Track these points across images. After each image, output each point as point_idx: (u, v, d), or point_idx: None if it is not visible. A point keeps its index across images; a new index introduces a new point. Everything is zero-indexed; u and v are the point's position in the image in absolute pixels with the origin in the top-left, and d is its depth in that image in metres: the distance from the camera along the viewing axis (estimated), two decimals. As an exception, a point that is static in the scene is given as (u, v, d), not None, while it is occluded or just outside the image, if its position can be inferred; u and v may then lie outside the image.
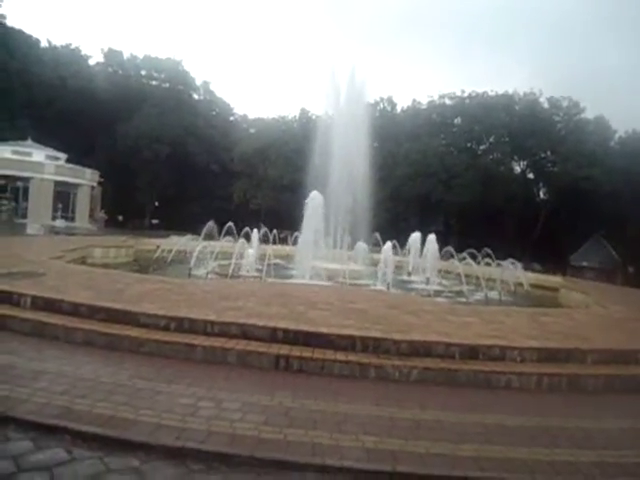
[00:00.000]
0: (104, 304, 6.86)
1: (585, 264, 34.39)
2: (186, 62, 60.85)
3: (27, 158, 37.31)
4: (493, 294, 14.33)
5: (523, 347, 6.45)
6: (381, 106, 51.84)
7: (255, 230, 17.50)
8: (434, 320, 7.73)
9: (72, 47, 52.31)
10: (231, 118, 60.67)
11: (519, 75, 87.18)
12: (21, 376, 4.79)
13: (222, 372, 5.54)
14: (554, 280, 18.36)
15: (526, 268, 21.75)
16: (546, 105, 46.30)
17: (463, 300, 12.78)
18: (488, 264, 17.36)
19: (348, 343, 6.21)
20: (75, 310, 6.79)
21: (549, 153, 45.16)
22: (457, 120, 48.82)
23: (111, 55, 53.55)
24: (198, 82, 57.00)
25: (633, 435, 4.62)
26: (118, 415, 4.08)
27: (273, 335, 6.27)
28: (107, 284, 8.68)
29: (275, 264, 14.85)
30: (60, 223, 35.08)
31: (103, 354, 5.84)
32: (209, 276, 13.13)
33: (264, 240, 18.66)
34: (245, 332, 6.30)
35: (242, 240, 16.24)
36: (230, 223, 17.94)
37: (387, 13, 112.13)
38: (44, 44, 51.05)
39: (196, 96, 57.30)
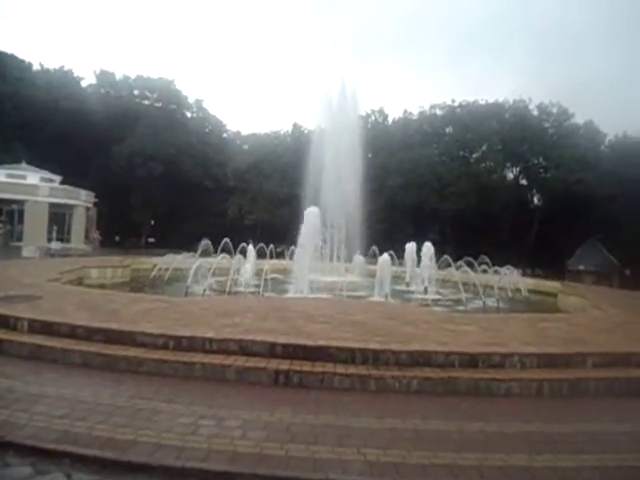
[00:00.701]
0: (101, 325, 6.84)
1: (582, 268, 34.51)
2: (178, 81, 61.37)
3: (21, 181, 37.38)
4: (491, 301, 14.35)
5: (523, 353, 6.45)
6: (373, 118, 52.34)
7: (251, 245, 17.52)
8: (433, 329, 7.73)
9: (65, 69, 52.74)
10: (224, 135, 61.05)
11: (509, 84, 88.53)
12: (20, 400, 4.75)
13: (222, 389, 5.51)
14: (551, 285, 18.40)
15: (526, 274, 21.86)
16: (536, 112, 46.92)
17: (461, 308, 12.80)
18: (485, 271, 17.42)
19: (347, 355, 6.20)
20: (72, 332, 6.76)
21: (541, 159, 45.63)
22: (449, 129, 49.32)
23: (103, 76, 53.97)
24: (191, 100, 57.49)
25: (635, 438, 4.61)
26: (117, 437, 4.04)
27: (272, 350, 6.25)
28: (104, 304, 8.66)
29: (272, 279, 14.85)
30: (56, 245, 34.98)
31: (102, 375, 5.80)
32: (206, 293, 13.10)
33: (261, 255, 18.67)
34: (243, 348, 6.28)
35: (239, 256, 16.25)
36: (226, 239, 17.96)
37: (377, 26, 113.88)
38: (37, 67, 51.50)
39: (189, 114, 57.71)
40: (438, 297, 14.84)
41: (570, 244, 38.40)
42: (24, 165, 39.20)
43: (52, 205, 37.68)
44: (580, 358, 6.55)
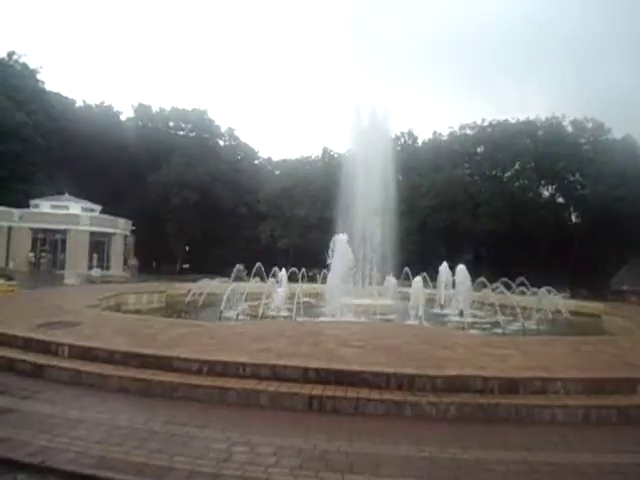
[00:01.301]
0: (137, 350, 6.96)
1: (626, 288, 32.94)
2: (211, 111, 63.63)
3: (64, 211, 39.12)
4: (530, 323, 13.84)
5: (566, 378, 6.16)
6: (402, 140, 52.43)
7: (283, 270, 17.62)
8: (470, 353, 7.50)
9: (105, 105, 55.48)
10: (256, 161, 62.38)
11: (540, 102, 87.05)
12: (59, 425, 4.86)
13: (255, 415, 5.48)
14: (594, 306, 17.63)
15: (568, 295, 21.05)
16: (570, 128, 45.93)
17: (499, 331, 12.40)
18: (523, 293, 16.86)
19: (382, 380, 6.07)
20: (110, 357, 6.91)
21: (578, 176, 44.41)
22: (480, 149, 48.79)
23: (141, 110, 56.42)
24: (223, 129, 59.24)
25: (695, 470, 4.29)
26: (152, 462, 4.06)
27: (305, 375, 6.19)
28: (140, 330, 8.83)
29: (305, 302, 14.83)
30: (96, 272, 36.18)
31: (137, 400, 5.88)
32: (240, 317, 13.19)
33: (293, 279, 18.72)
34: (277, 373, 6.25)
35: (271, 280, 16.35)
36: (258, 264, 18.13)
37: (405, 48, 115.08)
38: (79, 104, 54.37)
39: (221, 143, 59.38)
40: (474, 320, 14.44)
41: (613, 263, 36.88)
42: (67, 196, 41.09)
43: (92, 233, 39.19)
44: (629, 383, 6.20)
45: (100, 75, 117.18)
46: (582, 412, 5.63)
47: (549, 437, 5.10)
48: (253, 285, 16.28)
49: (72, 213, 39.28)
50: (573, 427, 5.44)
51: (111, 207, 43.10)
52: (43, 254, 37.49)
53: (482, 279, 17.17)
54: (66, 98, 52.22)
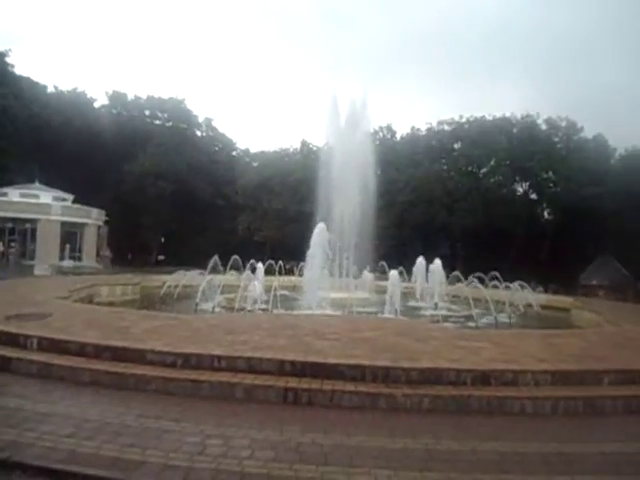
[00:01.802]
0: (110, 343, 6.83)
1: (595, 282, 33.96)
2: (188, 100, 62.27)
3: (34, 200, 37.97)
4: (503, 317, 14.15)
5: (536, 370, 6.32)
6: (381, 134, 52.56)
7: (260, 262, 17.54)
8: (444, 346, 7.61)
9: (78, 91, 53.86)
10: (233, 153, 61.65)
11: (517, 99, 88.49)
12: (28, 419, 4.74)
13: (230, 408, 5.45)
14: (564, 300, 18.14)
15: (540, 289, 21.58)
16: (544, 126, 46.84)
17: (472, 325, 12.63)
18: (496, 287, 17.22)
19: (357, 373, 6.11)
20: (81, 350, 6.76)
21: (550, 173, 45.36)
22: (457, 145, 49.35)
23: (115, 97, 55.03)
24: (200, 119, 58.26)
25: (655, 459, 4.46)
26: (124, 456, 4.00)
27: (281, 368, 6.19)
28: (113, 322, 8.67)
29: (282, 295, 14.81)
30: (67, 263, 35.33)
31: (109, 394, 5.78)
32: (216, 310, 13.09)
33: (270, 271, 18.66)
34: (252, 366, 6.23)
35: (248, 272, 16.26)
36: (235, 256, 18.01)
37: (385, 43, 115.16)
38: (51, 89, 52.64)
39: (199, 133, 58.46)
40: (449, 313, 14.68)
41: (583, 258, 37.91)
42: (37, 185, 39.88)
43: (64, 224, 38.16)
44: (596, 375, 6.40)
45: (72, 60, 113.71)
46: (550, 403, 5.79)
47: (519, 428, 5.23)
48: (230, 278, 16.16)
49: (43, 202, 38.15)
50: (542, 418, 5.60)
51: (84, 197, 42.03)
52: (12, 244, 36.39)
53: (457, 273, 17.46)
54: (37, 83, 50.49)
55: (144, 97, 55.66)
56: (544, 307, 16.74)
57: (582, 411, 5.79)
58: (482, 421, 5.39)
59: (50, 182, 40.72)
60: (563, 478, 3.93)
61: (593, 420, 5.60)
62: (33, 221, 37.13)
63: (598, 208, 38.17)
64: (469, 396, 5.77)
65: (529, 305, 16.19)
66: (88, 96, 54.46)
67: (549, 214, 48.33)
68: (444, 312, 14.67)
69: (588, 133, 44.82)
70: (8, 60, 46.53)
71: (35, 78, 50.66)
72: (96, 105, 54.70)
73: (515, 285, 16.99)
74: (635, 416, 5.74)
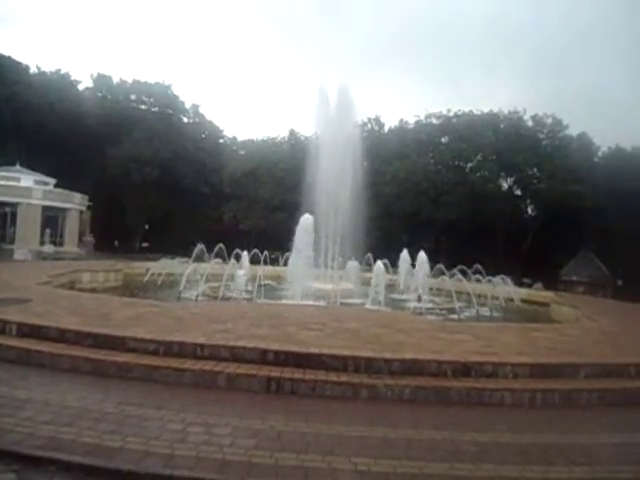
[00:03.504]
0: (91, 329, 6.76)
1: (575, 278, 34.62)
2: (175, 86, 61.29)
3: (15, 183, 37.09)
4: (484, 310, 14.35)
5: (515, 363, 6.44)
6: (369, 126, 52.43)
7: (245, 251, 17.46)
8: (426, 338, 7.71)
9: (61, 72, 52.54)
10: (220, 140, 60.95)
11: (505, 94, 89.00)
12: (6, 405, 4.68)
13: (212, 396, 5.45)
14: (544, 295, 18.46)
15: (520, 284, 21.94)
16: (530, 123, 47.21)
17: (454, 317, 12.79)
18: (479, 280, 17.44)
19: (340, 363, 6.16)
20: (61, 336, 6.68)
21: (535, 170, 45.83)
22: (444, 139, 49.49)
23: (100, 80, 53.85)
24: (187, 105, 57.33)
25: (627, 450, 4.60)
26: (104, 443, 3.98)
27: (264, 357, 6.20)
28: (94, 309, 8.58)
29: (266, 285, 14.79)
30: (48, 248, 34.69)
31: (90, 381, 5.73)
32: (199, 298, 13.03)
33: (255, 261, 18.61)
34: (235, 355, 6.23)
35: (232, 261, 16.18)
36: (220, 245, 17.90)
37: (374, 35, 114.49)
38: (33, 70, 51.23)
39: (185, 119, 57.59)
40: (431, 305, 14.83)
41: (564, 255, 38.54)
42: (18, 167, 38.95)
43: (45, 208, 37.40)
44: (572, 369, 6.55)
45: (56, 40, 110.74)
46: (528, 395, 5.91)
47: (497, 419, 5.33)
48: (214, 266, 16.05)
49: (23, 186, 37.28)
50: (520, 409, 5.72)
51: (67, 181, 41.17)
52: (-9, 228, 35.64)
53: (440, 266, 17.61)
54: (19, 63, 49.09)
55: (130, 81, 54.54)
56: (525, 301, 17.03)
57: (559, 403, 5.93)
58: (462, 412, 5.48)
59: (32, 165, 39.80)
60: (539, 468, 4.02)
61: (569, 412, 5.73)
62: (13, 205, 36.32)
63: (580, 205, 38.74)
64: (449, 387, 5.86)
65: (510, 299, 16.45)
66: (72, 78, 53.17)
67: (532, 210, 48.91)
68: (427, 304, 14.82)
69: (573, 131, 45.37)
70: (-11, 38, 45.19)
71: (17, 58, 49.36)
72: (80, 88, 53.47)
73: (497, 279, 17.23)
74: (609, 408, 5.90)
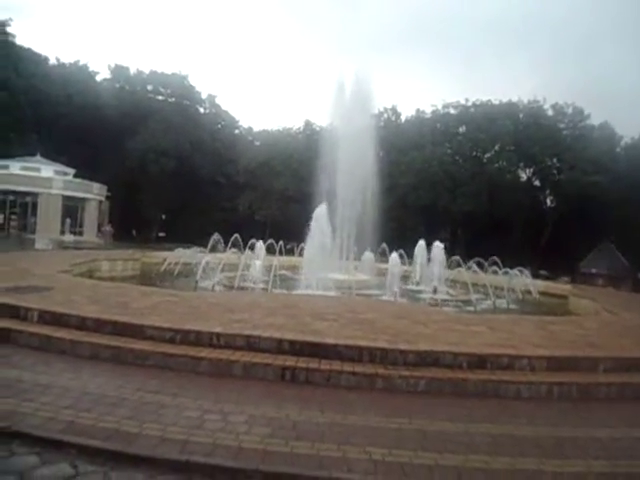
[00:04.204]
0: (110, 317, 6.87)
1: (594, 271, 33.99)
2: (192, 76, 60.95)
3: (35, 174, 37.76)
4: (501, 302, 14.21)
5: (532, 356, 6.36)
6: (385, 116, 51.94)
7: (261, 241, 17.53)
8: (441, 329, 7.66)
9: (80, 64, 53.07)
10: (236, 131, 61.06)
11: (524, 83, 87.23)
12: (27, 390, 4.79)
13: (228, 384, 5.51)
14: (563, 287, 18.19)
15: (538, 276, 21.63)
16: (550, 112, 46.20)
17: (471, 309, 12.70)
18: (495, 272, 17.26)
19: (355, 354, 6.16)
20: (82, 324, 6.81)
21: (555, 160, 44.93)
22: (462, 129, 48.79)
23: (118, 71, 54.25)
24: (204, 96, 57.47)
25: (647, 445, 4.52)
26: (123, 429, 4.06)
27: (279, 346, 6.23)
28: (113, 297, 8.71)
29: (281, 275, 14.85)
30: (68, 237, 35.35)
31: (109, 367, 5.84)
32: (215, 288, 13.14)
33: (270, 251, 18.68)
34: (251, 344, 6.27)
35: (248, 251, 16.27)
36: (236, 235, 18.00)
37: (392, 23, 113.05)
38: (52, 61, 51.82)
39: (202, 110, 57.77)
40: (447, 297, 14.73)
41: (583, 247, 37.83)
42: (38, 158, 39.60)
43: (65, 198, 38.05)
44: (591, 362, 6.45)
45: (75, 32, 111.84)
46: (545, 388, 5.85)
47: (513, 411, 5.29)
48: (230, 256, 16.16)
49: (44, 176, 37.93)
50: (536, 402, 5.66)
51: (86, 171, 41.76)
52: (13, 217, 36.36)
53: (457, 258, 17.46)
54: (38, 55, 49.67)
55: (147, 72, 54.84)
56: (542, 294, 16.80)
57: (576, 396, 5.85)
58: (477, 404, 5.45)
59: (50, 156, 40.43)
60: (554, 461, 3.98)
61: (587, 405, 5.66)
62: (34, 194, 37.02)
63: (601, 197, 37.92)
64: (465, 379, 5.83)
65: (527, 291, 16.25)
66: (90, 69, 53.67)
67: (552, 201, 48.03)
68: (443, 296, 14.73)
69: (594, 120, 44.28)
70: (9, 30, 45.83)
71: (36, 49, 49.95)
72: (98, 79, 53.96)
73: (514, 271, 17.02)
74: (627, 403, 5.81)
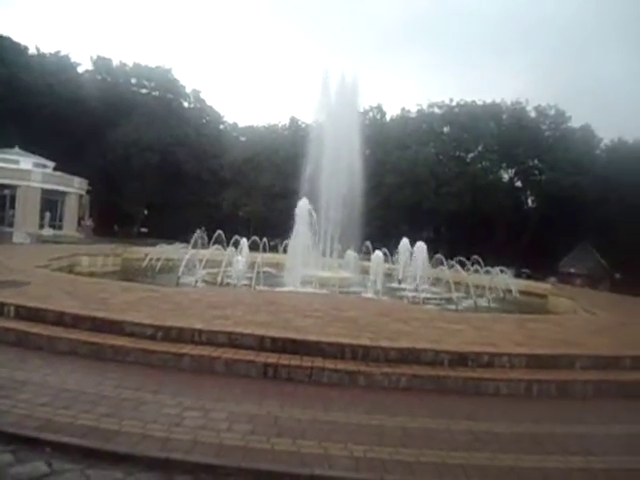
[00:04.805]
0: (89, 313, 6.76)
1: (573, 271, 34.67)
2: (176, 70, 60.14)
3: (14, 166, 36.90)
4: (482, 301, 14.38)
5: (512, 353, 6.46)
6: (370, 115, 52.06)
7: (244, 238, 17.44)
8: (423, 327, 7.72)
9: (61, 54, 51.97)
10: (221, 126, 60.55)
11: (508, 85, 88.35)
12: (3, 387, 4.69)
13: (209, 381, 5.46)
14: (542, 287, 18.49)
15: (520, 275, 21.94)
16: (533, 114, 46.90)
17: (452, 307, 12.82)
18: (477, 271, 17.47)
19: (337, 351, 6.17)
20: (59, 319, 6.68)
21: (536, 161, 45.65)
22: (446, 129, 49.20)
23: (100, 63, 53.29)
24: (188, 90, 56.81)
25: (622, 441, 4.62)
26: (101, 426, 3.99)
27: (261, 343, 6.21)
28: (93, 293, 8.57)
29: (265, 272, 14.79)
30: (47, 231, 34.67)
31: (87, 364, 5.74)
32: (198, 284, 13.03)
33: (254, 248, 18.59)
34: (233, 341, 6.23)
35: (231, 248, 16.17)
36: (219, 231, 17.87)
37: (378, 23, 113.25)
38: (32, 51, 50.63)
39: (186, 104, 57.13)
40: (430, 295, 14.85)
41: (563, 247, 38.55)
42: (17, 150, 38.71)
43: (44, 191, 37.25)
44: (569, 360, 6.57)
45: (55, 23, 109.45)
46: (524, 385, 5.94)
47: (493, 408, 5.36)
48: (213, 252, 16.04)
49: (22, 168, 37.09)
50: (515, 399, 5.74)
51: (66, 165, 40.94)
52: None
53: (439, 256, 17.62)
54: (17, 44, 48.48)
55: (130, 64, 53.98)
56: (522, 293, 17.06)
57: (555, 393, 5.95)
58: (458, 401, 5.51)
59: (30, 148, 39.54)
60: (533, 457, 4.04)
61: (565, 402, 5.77)
62: (12, 187, 36.18)
63: (581, 197, 38.66)
64: (446, 376, 5.88)
65: (508, 290, 16.48)
66: (71, 60, 52.63)
67: (533, 202, 48.82)
68: (425, 294, 14.84)
69: (575, 123, 45.10)
70: (-13, 18, 44.59)
71: (16, 39, 48.76)
72: (80, 70, 52.96)
73: (495, 270, 17.25)
74: (604, 399, 5.93)
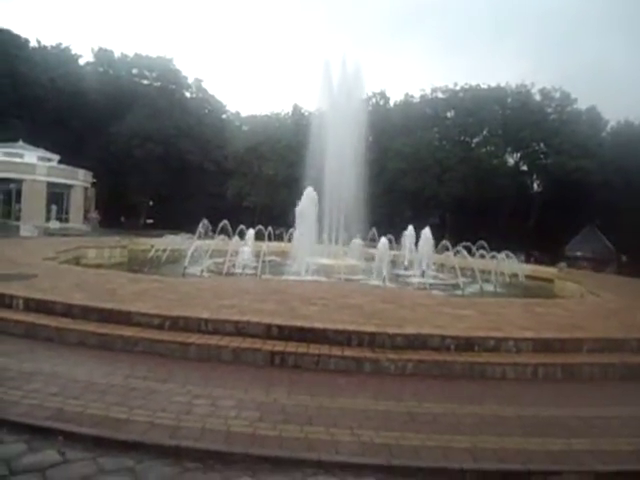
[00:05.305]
0: (97, 304, 6.82)
1: (579, 254, 34.48)
2: (177, 60, 60.34)
3: (19, 160, 37.06)
4: (488, 286, 14.36)
5: (518, 338, 6.46)
6: (374, 100, 51.65)
7: (251, 229, 17.45)
8: (429, 313, 7.73)
9: (62, 47, 51.82)
10: (224, 116, 60.32)
11: (513, 68, 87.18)
12: (14, 378, 4.75)
13: (217, 370, 5.51)
14: (548, 271, 18.43)
15: (527, 260, 21.84)
16: (538, 97, 46.33)
17: (459, 293, 12.81)
18: (483, 256, 17.42)
19: (343, 338, 6.20)
20: (68, 311, 6.75)
21: (542, 145, 45.18)
22: (450, 113, 48.75)
23: (101, 54, 53.08)
24: (190, 80, 56.60)
25: (628, 423, 4.63)
26: (111, 415, 4.05)
27: (268, 331, 6.25)
28: (100, 284, 8.64)
29: (270, 261, 14.83)
30: (54, 224, 34.91)
31: (96, 354, 5.80)
32: (204, 274, 13.09)
33: (259, 237, 18.62)
34: (240, 329, 6.27)
35: (237, 237, 16.20)
36: (225, 221, 17.90)
37: (381, 8, 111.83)
38: (33, 44, 50.53)
39: (188, 94, 56.92)
40: (435, 281, 14.85)
41: (569, 230, 38.33)
42: (21, 144, 38.81)
43: (50, 184, 37.44)
44: (575, 343, 6.57)
45: (56, 13, 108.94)
46: (531, 369, 5.95)
47: (499, 392, 5.37)
48: (218, 242, 16.08)
49: (27, 162, 37.24)
50: (522, 383, 5.76)
51: (70, 157, 41.04)
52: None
53: (445, 242, 17.57)
54: (18, 37, 48.36)
55: (131, 55, 53.75)
56: (529, 277, 17.02)
57: (561, 377, 5.96)
58: (464, 385, 5.53)
59: (34, 141, 39.64)
60: (540, 440, 4.06)
61: (571, 385, 5.78)
62: (18, 181, 36.35)
63: (587, 180, 38.33)
64: (452, 361, 5.90)
65: (514, 275, 16.44)
66: (73, 52, 52.51)
67: (538, 186, 48.46)
68: (431, 280, 14.84)
69: (581, 105, 44.50)
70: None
71: (17, 31, 48.61)
72: (81, 62, 52.85)
73: (501, 255, 17.19)
74: (610, 382, 5.94)
